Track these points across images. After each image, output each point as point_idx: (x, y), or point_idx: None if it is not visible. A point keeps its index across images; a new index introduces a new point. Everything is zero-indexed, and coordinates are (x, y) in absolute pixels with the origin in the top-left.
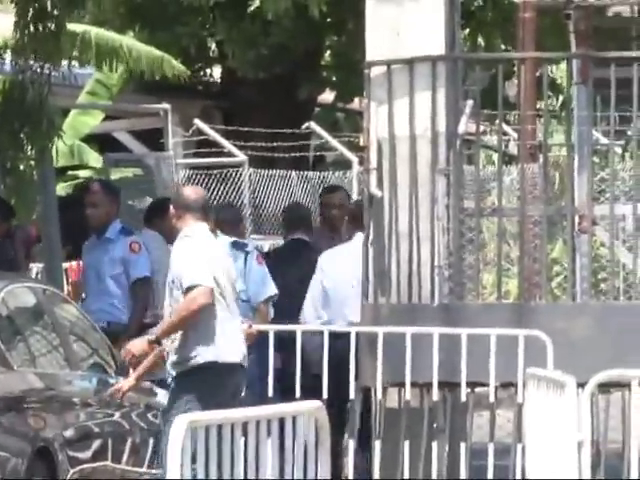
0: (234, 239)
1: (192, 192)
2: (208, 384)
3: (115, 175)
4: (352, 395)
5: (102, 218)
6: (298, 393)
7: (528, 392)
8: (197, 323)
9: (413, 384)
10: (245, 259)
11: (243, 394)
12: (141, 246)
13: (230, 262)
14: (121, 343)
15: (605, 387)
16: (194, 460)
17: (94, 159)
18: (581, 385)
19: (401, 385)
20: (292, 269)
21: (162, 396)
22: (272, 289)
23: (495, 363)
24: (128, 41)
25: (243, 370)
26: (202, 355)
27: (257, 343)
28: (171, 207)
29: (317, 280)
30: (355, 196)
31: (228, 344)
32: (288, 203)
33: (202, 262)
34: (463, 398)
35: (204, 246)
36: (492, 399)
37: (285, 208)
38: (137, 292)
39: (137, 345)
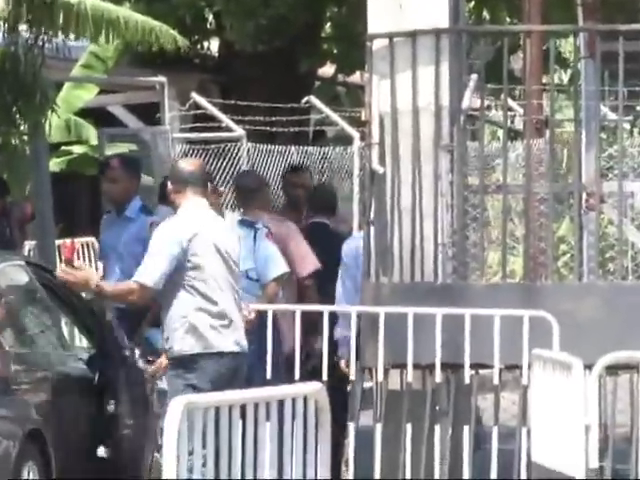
0: (242, 217)
1: (189, 164)
2: (199, 372)
3: (110, 150)
4: (352, 376)
5: (121, 195)
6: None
7: (534, 374)
8: (175, 313)
9: (415, 365)
10: (254, 237)
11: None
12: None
13: (233, 240)
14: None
15: (613, 369)
16: (190, 453)
17: (93, 135)
18: (588, 367)
19: (403, 366)
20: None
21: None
22: (282, 267)
23: (500, 344)
24: (125, 12)
25: (240, 356)
26: (188, 345)
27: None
28: (169, 183)
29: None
30: (356, 172)
31: (218, 332)
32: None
33: (159, 257)
34: (467, 380)
35: (182, 229)
36: (496, 381)
37: (313, 187)
38: None
39: (80, 275)
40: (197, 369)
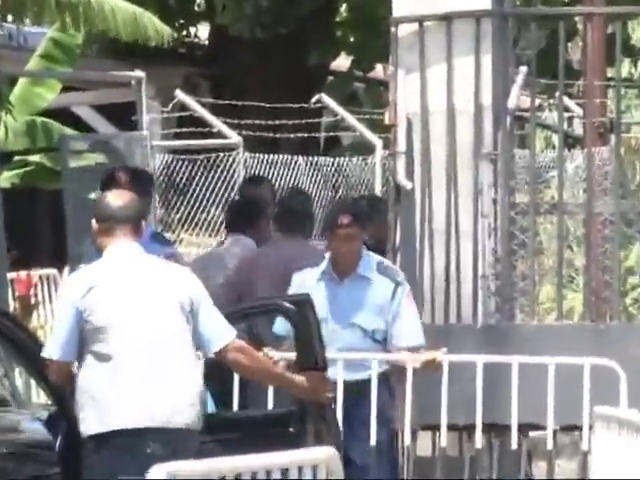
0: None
1: (117, 198)
2: (105, 459)
3: (75, 161)
4: (372, 440)
5: None
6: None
7: (596, 437)
8: (79, 388)
9: (450, 427)
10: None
11: None
12: (180, 262)
13: (167, 283)
14: None
15: None
16: None
17: None
18: None
19: (435, 428)
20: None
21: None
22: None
23: (555, 400)
24: None
25: (172, 433)
26: (90, 425)
27: None
28: (92, 221)
29: None
30: (379, 187)
31: (123, 407)
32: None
33: (57, 322)
34: (514, 445)
35: (76, 283)
36: (550, 445)
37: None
38: None
39: None
40: (101, 455)
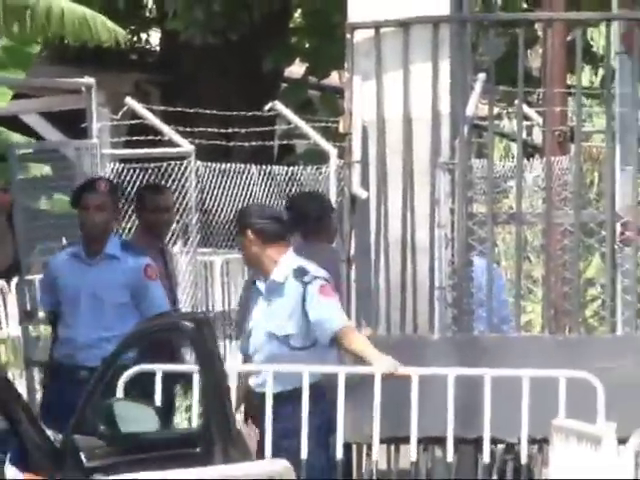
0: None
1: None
2: None
3: (23, 170)
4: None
5: (106, 227)
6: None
7: (554, 449)
8: None
9: (403, 439)
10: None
11: None
12: (157, 271)
13: None
14: None
15: None
16: None
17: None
18: (622, 441)
19: (396, 441)
20: None
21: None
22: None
23: (512, 413)
24: None
25: None
26: None
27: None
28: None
29: None
30: (333, 197)
31: None
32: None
33: None
34: (486, 458)
35: None
36: (524, 459)
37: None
38: None
39: None
40: None
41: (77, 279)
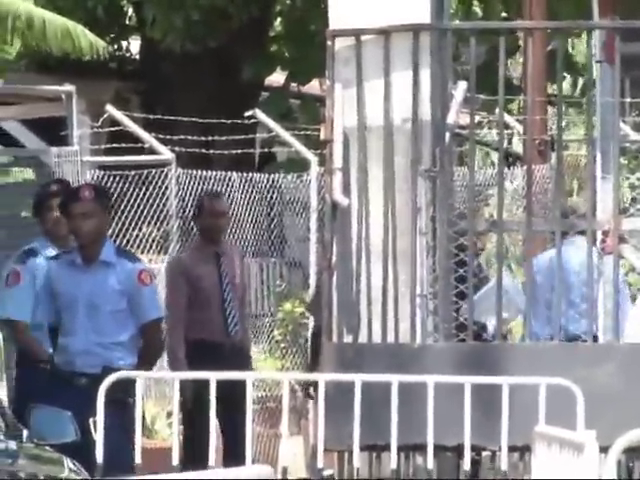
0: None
1: None
2: None
3: (2, 177)
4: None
5: (96, 234)
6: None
7: (536, 456)
8: None
9: (384, 447)
10: None
11: None
12: (152, 277)
13: None
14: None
15: (636, 451)
16: None
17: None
18: (604, 449)
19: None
20: None
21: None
22: None
23: (494, 420)
24: (26, 6)
25: None
26: None
27: None
28: None
29: None
30: (314, 204)
31: None
32: None
33: None
34: (466, 466)
35: None
36: (504, 466)
37: None
38: (152, 337)
39: None
40: None
41: (74, 286)
